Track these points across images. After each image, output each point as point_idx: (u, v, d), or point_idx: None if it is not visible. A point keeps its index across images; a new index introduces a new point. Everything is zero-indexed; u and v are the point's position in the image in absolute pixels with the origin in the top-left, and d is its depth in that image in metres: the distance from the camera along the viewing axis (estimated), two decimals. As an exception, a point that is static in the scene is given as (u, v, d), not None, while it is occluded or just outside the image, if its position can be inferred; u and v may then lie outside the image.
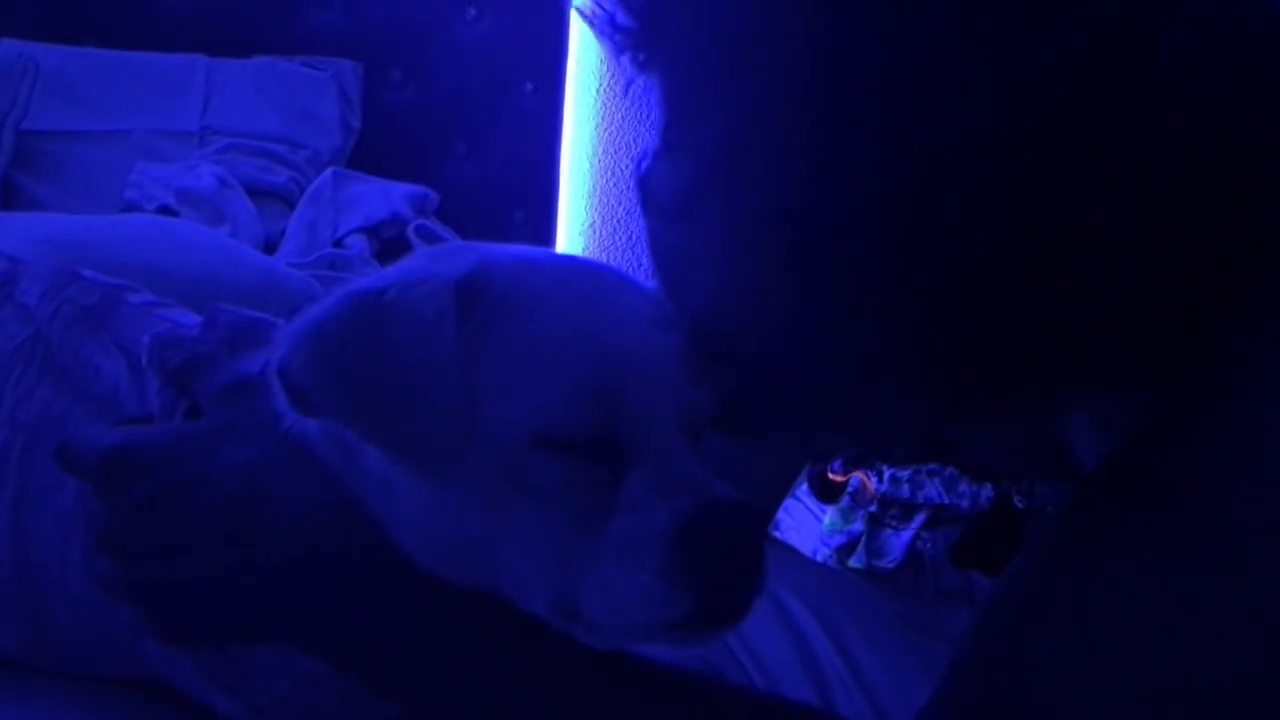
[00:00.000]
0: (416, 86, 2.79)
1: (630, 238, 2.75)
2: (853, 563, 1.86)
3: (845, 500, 1.98)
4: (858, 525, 1.92)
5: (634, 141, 2.67)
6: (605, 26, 0.59)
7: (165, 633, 0.67)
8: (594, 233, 2.80)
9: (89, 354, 0.77)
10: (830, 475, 2.08)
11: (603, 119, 2.76)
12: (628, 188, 2.43)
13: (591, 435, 0.61)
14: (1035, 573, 0.60)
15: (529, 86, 2.77)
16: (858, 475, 2.00)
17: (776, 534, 1.79)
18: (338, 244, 2.30)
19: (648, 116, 0.59)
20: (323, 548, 0.63)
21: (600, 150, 2.76)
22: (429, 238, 2.35)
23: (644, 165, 0.61)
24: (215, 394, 0.66)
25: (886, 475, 1.96)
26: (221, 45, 2.58)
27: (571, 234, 2.81)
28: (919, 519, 1.89)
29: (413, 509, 0.63)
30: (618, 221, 2.75)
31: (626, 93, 0.62)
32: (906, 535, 1.87)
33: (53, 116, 2.22)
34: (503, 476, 0.61)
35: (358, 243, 2.29)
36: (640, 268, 2.36)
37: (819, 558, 1.87)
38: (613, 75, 2.59)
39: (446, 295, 0.60)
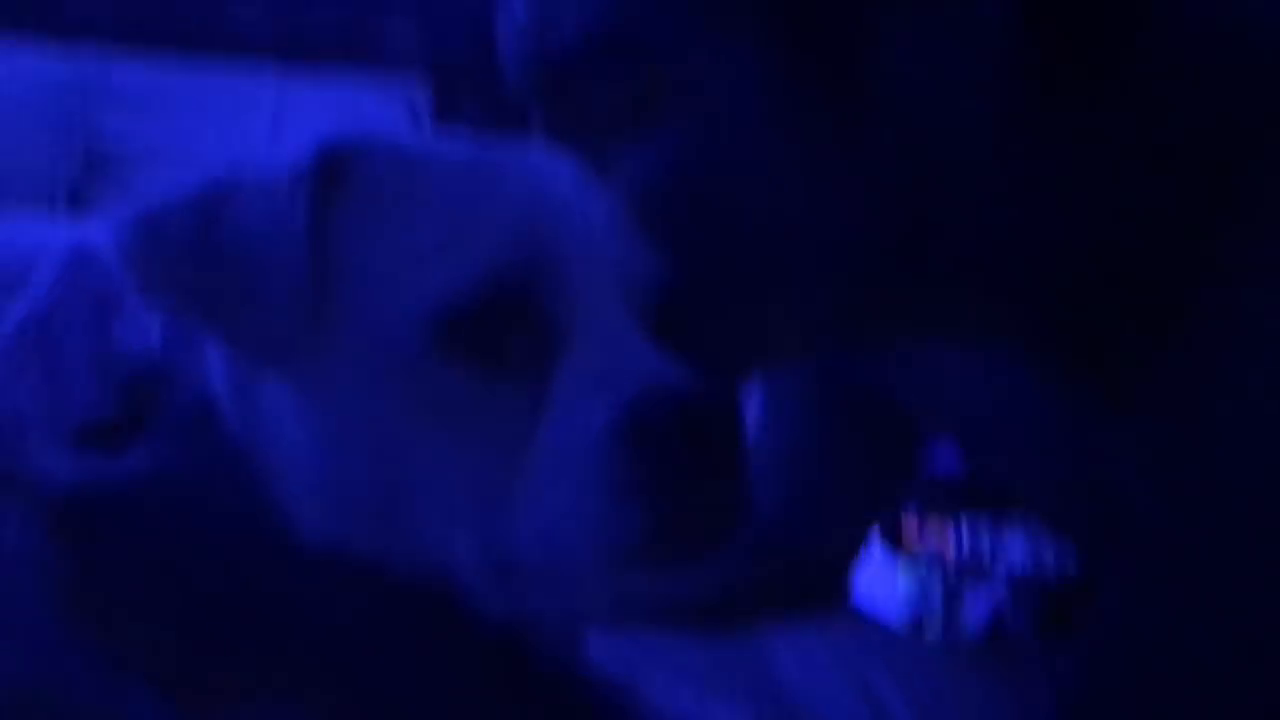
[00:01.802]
0: (484, 102, 2.74)
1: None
2: (928, 635, 1.75)
3: (920, 561, 1.88)
4: (933, 591, 1.81)
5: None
6: None
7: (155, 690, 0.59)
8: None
9: (85, 342, 0.69)
10: (903, 526, 1.98)
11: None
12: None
13: (505, 313, 0.50)
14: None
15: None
16: (932, 530, 1.90)
17: (856, 602, 1.68)
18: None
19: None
20: (348, 612, 0.55)
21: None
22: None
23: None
24: (175, 420, 0.57)
25: (965, 529, 1.85)
26: (292, 55, 2.56)
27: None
28: (1001, 588, 1.78)
29: (302, 447, 0.53)
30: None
31: None
32: (987, 605, 1.76)
33: (124, 130, 2.19)
34: (399, 385, 0.50)
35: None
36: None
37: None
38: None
39: (301, 164, 0.51)
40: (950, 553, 1.82)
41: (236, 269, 0.50)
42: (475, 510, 0.50)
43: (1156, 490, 0.52)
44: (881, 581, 1.95)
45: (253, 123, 2.38)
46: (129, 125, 2.17)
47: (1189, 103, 0.56)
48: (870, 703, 0.85)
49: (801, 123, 0.55)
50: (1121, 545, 0.55)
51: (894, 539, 1.98)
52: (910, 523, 1.95)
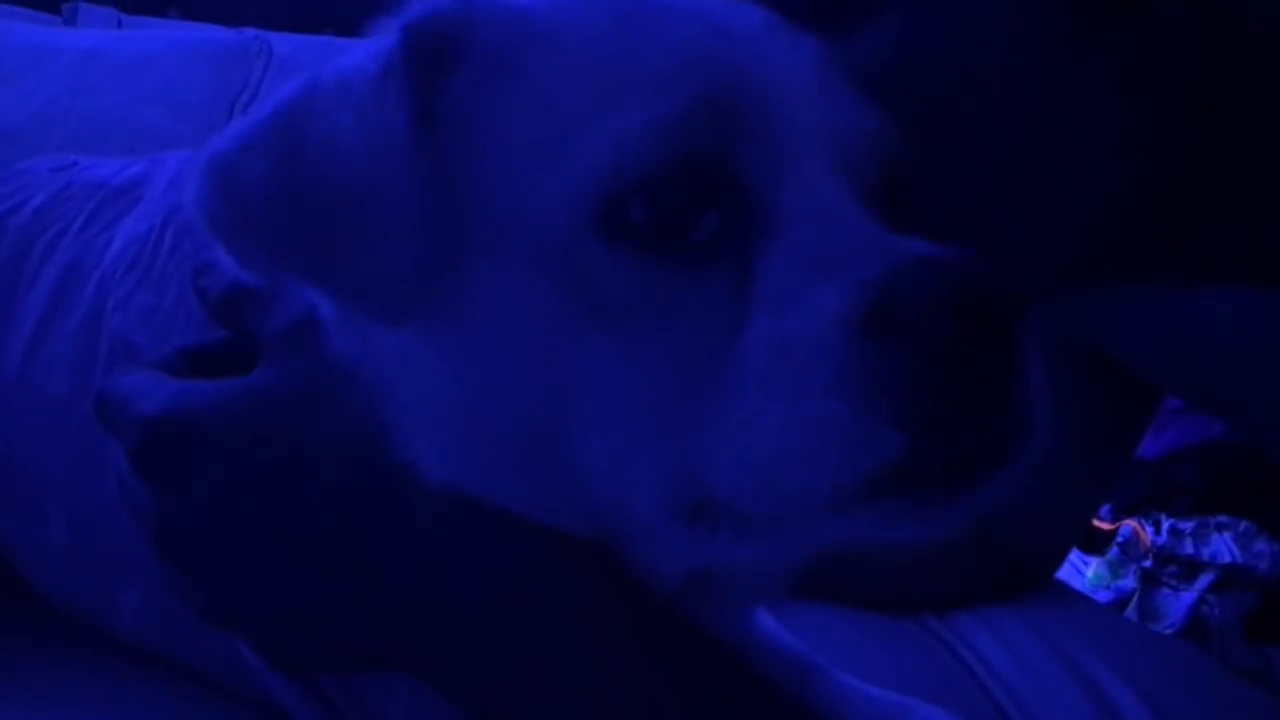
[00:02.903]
0: None
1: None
2: (1121, 624, 1.59)
3: (1114, 552, 1.72)
4: (1128, 582, 1.65)
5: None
6: None
7: (262, 652, 0.51)
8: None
9: (199, 256, 0.62)
10: (1096, 522, 1.82)
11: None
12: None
13: (688, 181, 0.38)
14: None
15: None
16: (1130, 524, 1.74)
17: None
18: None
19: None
20: (461, 566, 0.45)
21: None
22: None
23: None
24: (278, 338, 0.48)
25: (1165, 526, 1.69)
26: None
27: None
28: (1204, 580, 1.61)
29: (429, 372, 0.43)
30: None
31: None
32: (1189, 598, 1.59)
33: (281, 99, 2.22)
34: (556, 286, 0.39)
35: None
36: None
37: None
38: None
39: (388, 51, 0.40)
40: (1147, 540, 1.66)
41: (329, 206, 0.40)
42: (660, 436, 0.39)
43: None
44: (1068, 580, 1.79)
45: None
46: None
47: None
48: (1086, 685, 0.69)
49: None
50: None
51: (1084, 539, 1.82)
52: (1102, 522, 1.80)
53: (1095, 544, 1.79)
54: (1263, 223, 0.49)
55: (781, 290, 0.38)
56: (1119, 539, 1.73)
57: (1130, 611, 1.60)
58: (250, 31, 2.21)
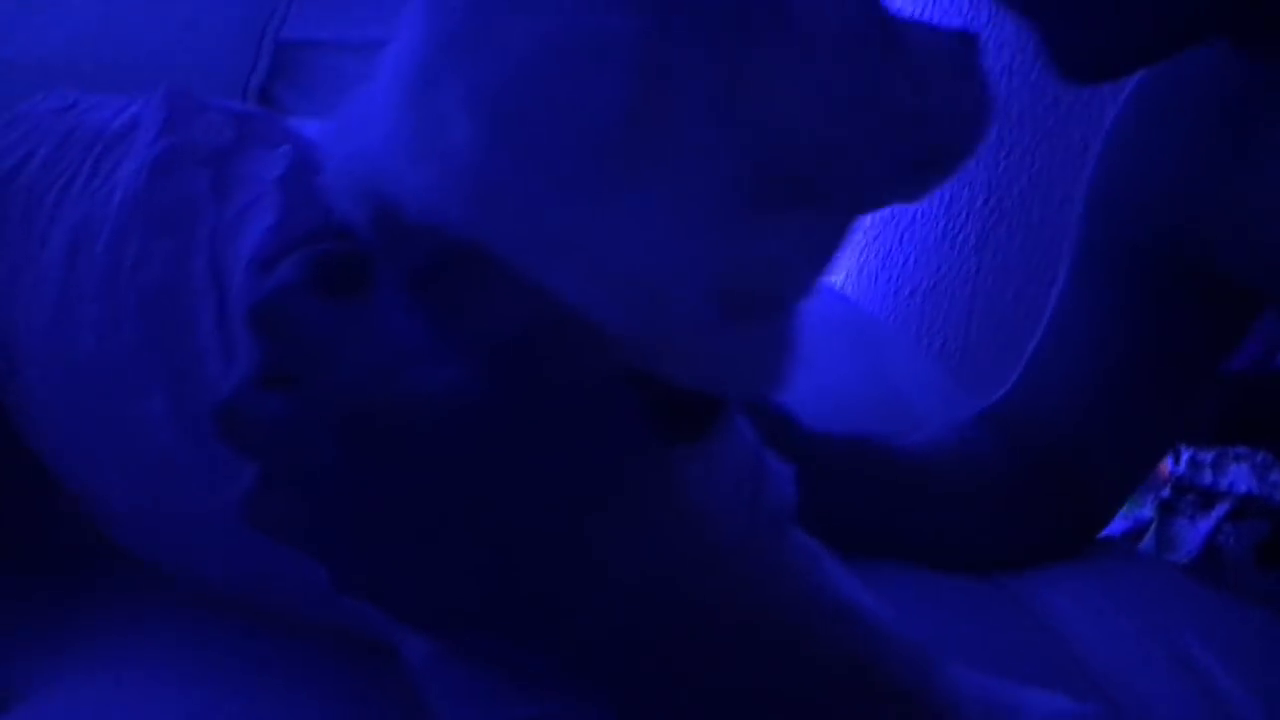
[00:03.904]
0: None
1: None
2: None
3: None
4: (1146, 511, 1.67)
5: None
6: None
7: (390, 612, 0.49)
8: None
9: (209, 204, 0.61)
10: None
11: None
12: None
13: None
14: None
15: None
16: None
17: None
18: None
19: None
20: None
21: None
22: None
23: None
24: (499, 336, 0.43)
25: (1184, 457, 1.70)
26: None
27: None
28: (1221, 509, 1.63)
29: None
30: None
31: None
32: (1205, 527, 1.61)
33: (312, 26, 2.18)
34: None
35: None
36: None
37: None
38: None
39: None
40: (1165, 478, 1.67)
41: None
42: None
43: None
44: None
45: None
46: (320, 25, 2.17)
47: None
48: (1173, 652, 0.68)
49: None
50: None
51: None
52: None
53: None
54: None
55: None
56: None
57: (1147, 541, 1.63)
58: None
